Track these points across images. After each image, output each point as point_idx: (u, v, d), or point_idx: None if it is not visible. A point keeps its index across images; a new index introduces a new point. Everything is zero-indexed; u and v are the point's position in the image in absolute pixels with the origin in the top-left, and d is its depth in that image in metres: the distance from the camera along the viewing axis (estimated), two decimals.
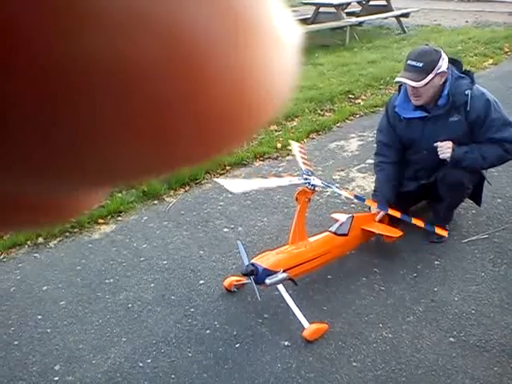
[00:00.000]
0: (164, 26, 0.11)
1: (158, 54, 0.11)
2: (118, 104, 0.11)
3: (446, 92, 2.49)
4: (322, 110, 4.95)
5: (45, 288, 2.57)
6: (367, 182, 3.48)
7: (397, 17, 8.74)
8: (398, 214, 2.41)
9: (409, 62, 2.46)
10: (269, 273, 2.16)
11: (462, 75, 2.55)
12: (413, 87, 2.46)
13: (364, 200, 2.60)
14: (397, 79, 2.52)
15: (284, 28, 0.13)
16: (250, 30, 0.12)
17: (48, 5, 0.10)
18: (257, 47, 0.12)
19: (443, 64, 2.45)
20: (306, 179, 2.29)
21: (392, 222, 2.74)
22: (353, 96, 5.32)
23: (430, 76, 2.42)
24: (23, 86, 0.10)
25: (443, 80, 2.48)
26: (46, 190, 0.13)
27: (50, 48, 0.10)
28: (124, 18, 0.10)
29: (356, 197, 2.59)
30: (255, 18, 0.12)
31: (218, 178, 3.69)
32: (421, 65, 2.41)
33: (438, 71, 2.44)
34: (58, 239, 3.00)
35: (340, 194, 2.81)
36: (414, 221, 2.39)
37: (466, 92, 2.48)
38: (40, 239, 2.99)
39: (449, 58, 2.54)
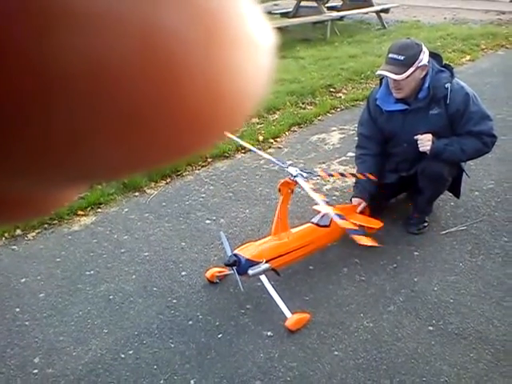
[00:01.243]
0: (138, 29, 0.11)
1: (131, 57, 0.11)
2: (92, 105, 0.11)
3: (426, 85, 2.52)
4: (303, 103, 4.96)
5: (23, 280, 2.52)
6: None
7: (377, 12, 8.80)
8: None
9: (390, 55, 2.48)
10: (251, 263, 2.17)
11: (442, 69, 2.59)
12: (394, 80, 2.48)
13: (344, 175, 2.81)
14: (378, 72, 2.54)
15: (257, 30, 0.13)
16: (224, 33, 0.12)
17: (18, 4, 0.10)
18: (230, 50, 0.12)
19: (424, 57, 2.48)
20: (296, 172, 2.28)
21: (373, 213, 2.78)
22: (334, 90, 5.35)
23: (412, 69, 2.44)
24: None
25: (424, 73, 2.51)
26: (24, 187, 0.13)
27: (21, 46, 0.10)
28: (98, 20, 0.10)
29: (341, 174, 2.73)
30: (228, 21, 0.12)
31: (199, 170, 3.68)
32: (402, 58, 2.44)
33: (419, 64, 2.46)
34: (37, 231, 2.95)
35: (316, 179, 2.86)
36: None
37: (446, 85, 2.51)
38: (18, 231, 2.93)
39: (429, 52, 2.57)
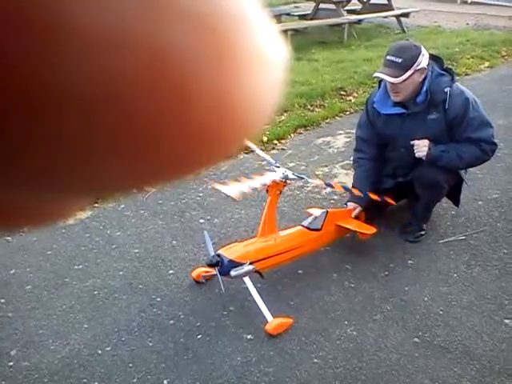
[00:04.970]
0: (143, 47, 0.11)
1: (141, 76, 0.11)
2: (101, 123, 0.11)
3: (424, 89, 2.45)
4: (311, 106, 4.90)
5: (12, 271, 2.54)
6: (349, 179, 3.43)
7: (397, 16, 8.67)
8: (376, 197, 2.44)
9: (388, 57, 2.42)
10: (234, 264, 2.13)
11: (443, 72, 2.51)
12: (391, 83, 2.42)
13: (331, 186, 2.57)
14: (375, 74, 2.48)
15: (269, 45, 0.13)
16: (235, 50, 0.12)
17: (29, 25, 0.10)
18: (241, 66, 0.12)
19: (423, 60, 2.41)
20: (283, 173, 2.24)
21: (368, 218, 2.71)
22: (344, 93, 5.28)
23: (409, 72, 2.37)
24: (6, 102, 0.10)
25: (423, 76, 2.44)
26: (31, 199, 0.13)
27: (31, 67, 0.10)
28: (102, 39, 0.10)
29: (326, 184, 2.55)
30: (240, 40, 0.12)
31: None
32: (400, 60, 2.37)
33: (418, 67, 2.39)
34: None
35: (311, 183, 2.75)
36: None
37: (445, 90, 2.44)
38: None
39: (430, 55, 2.49)
